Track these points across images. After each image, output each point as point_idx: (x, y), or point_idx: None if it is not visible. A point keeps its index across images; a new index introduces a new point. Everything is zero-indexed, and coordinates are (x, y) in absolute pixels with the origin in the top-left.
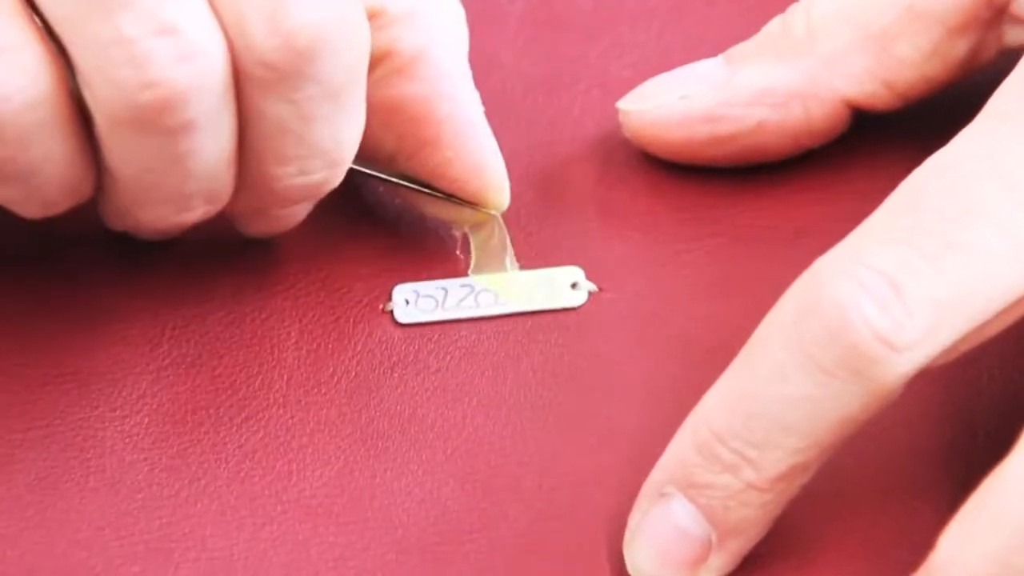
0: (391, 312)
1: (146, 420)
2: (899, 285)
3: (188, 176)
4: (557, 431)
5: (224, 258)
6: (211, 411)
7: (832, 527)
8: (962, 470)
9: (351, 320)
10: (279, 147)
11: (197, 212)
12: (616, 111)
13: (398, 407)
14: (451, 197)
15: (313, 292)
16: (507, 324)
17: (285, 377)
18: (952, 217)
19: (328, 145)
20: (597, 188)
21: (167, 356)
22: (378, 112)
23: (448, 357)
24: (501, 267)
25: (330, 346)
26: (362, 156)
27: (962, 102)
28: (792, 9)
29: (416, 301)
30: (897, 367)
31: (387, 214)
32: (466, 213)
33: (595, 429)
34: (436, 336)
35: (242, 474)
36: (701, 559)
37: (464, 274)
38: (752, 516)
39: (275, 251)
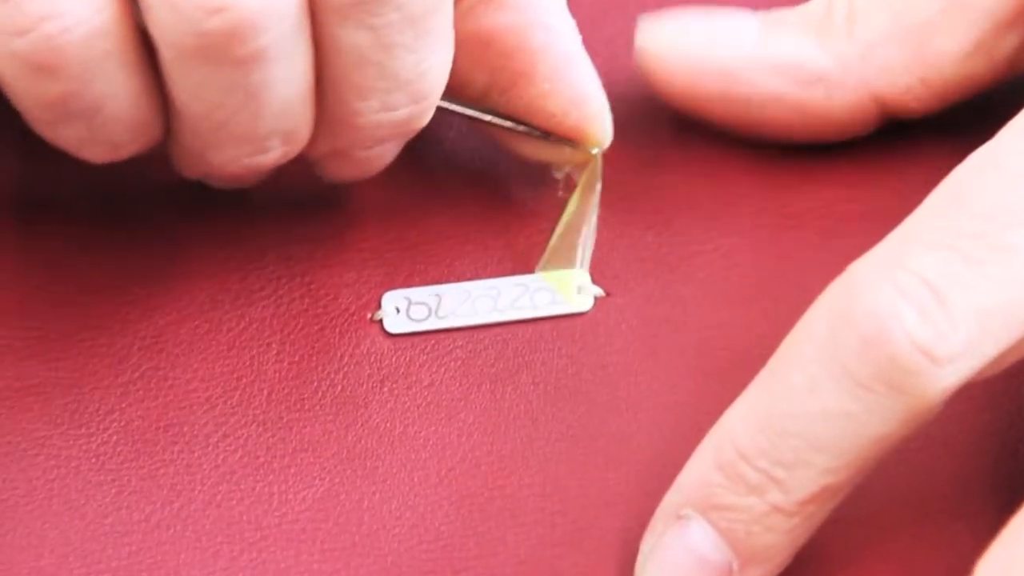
0: (380, 321)
1: (114, 438)
2: (941, 292)
3: (262, 113)
4: (561, 449)
5: (199, 261)
6: (185, 428)
7: (863, 553)
8: (1003, 491)
9: (337, 330)
10: (359, 79)
11: (274, 154)
12: (622, 102)
13: (388, 424)
14: (549, 136)
15: (296, 299)
16: (506, 333)
17: (265, 392)
18: (997, 218)
19: (411, 76)
20: (603, 184)
21: (137, 368)
22: (468, 45)
23: (442, 369)
24: (590, 220)
25: (314, 358)
26: (452, 93)
27: (1005, 97)
28: None
29: (407, 309)
30: (939, 381)
31: (379, 214)
32: (566, 152)
33: (602, 447)
34: (429, 347)
35: (219, 497)
36: None
37: (457, 276)
38: (777, 542)
39: (255, 254)
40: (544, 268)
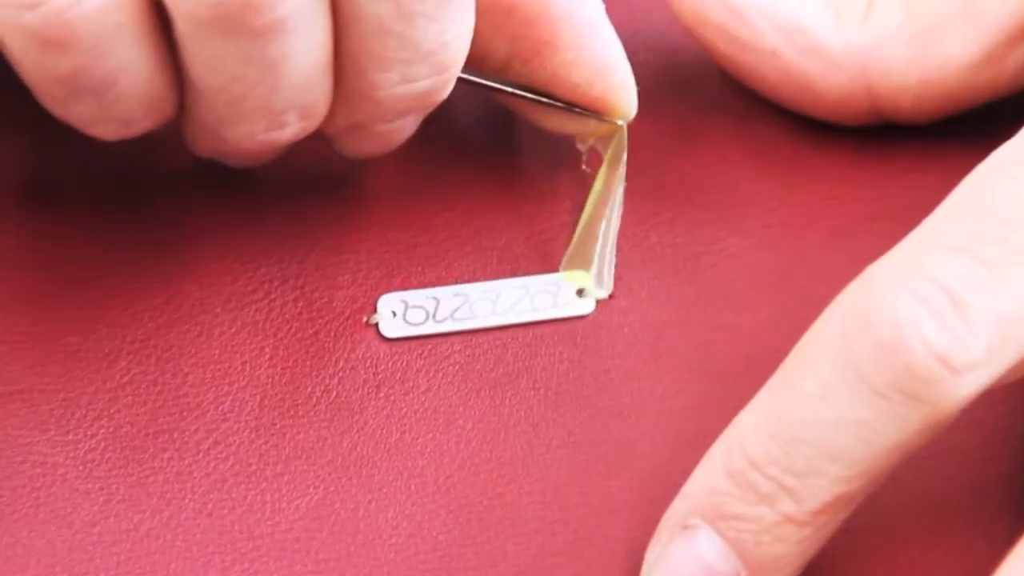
0: (376, 325)
1: (102, 445)
2: (961, 299)
3: (279, 86)
4: (562, 456)
5: (190, 263)
6: (175, 435)
7: (875, 561)
8: (1020, 499)
9: (332, 334)
10: (378, 50)
11: (291, 129)
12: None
13: (384, 431)
14: (573, 107)
15: (290, 302)
16: (505, 337)
17: (258, 397)
18: (1018, 221)
19: (432, 47)
20: None
21: (126, 373)
22: (489, 15)
23: (440, 374)
24: (616, 196)
25: (308, 363)
26: (472, 64)
27: (1019, 100)
28: None
29: (404, 312)
30: (957, 390)
31: (376, 213)
32: (590, 124)
33: (604, 453)
34: (426, 351)
35: (210, 506)
36: None
37: (449, 279)
38: (787, 552)
39: (247, 256)
40: (570, 258)
